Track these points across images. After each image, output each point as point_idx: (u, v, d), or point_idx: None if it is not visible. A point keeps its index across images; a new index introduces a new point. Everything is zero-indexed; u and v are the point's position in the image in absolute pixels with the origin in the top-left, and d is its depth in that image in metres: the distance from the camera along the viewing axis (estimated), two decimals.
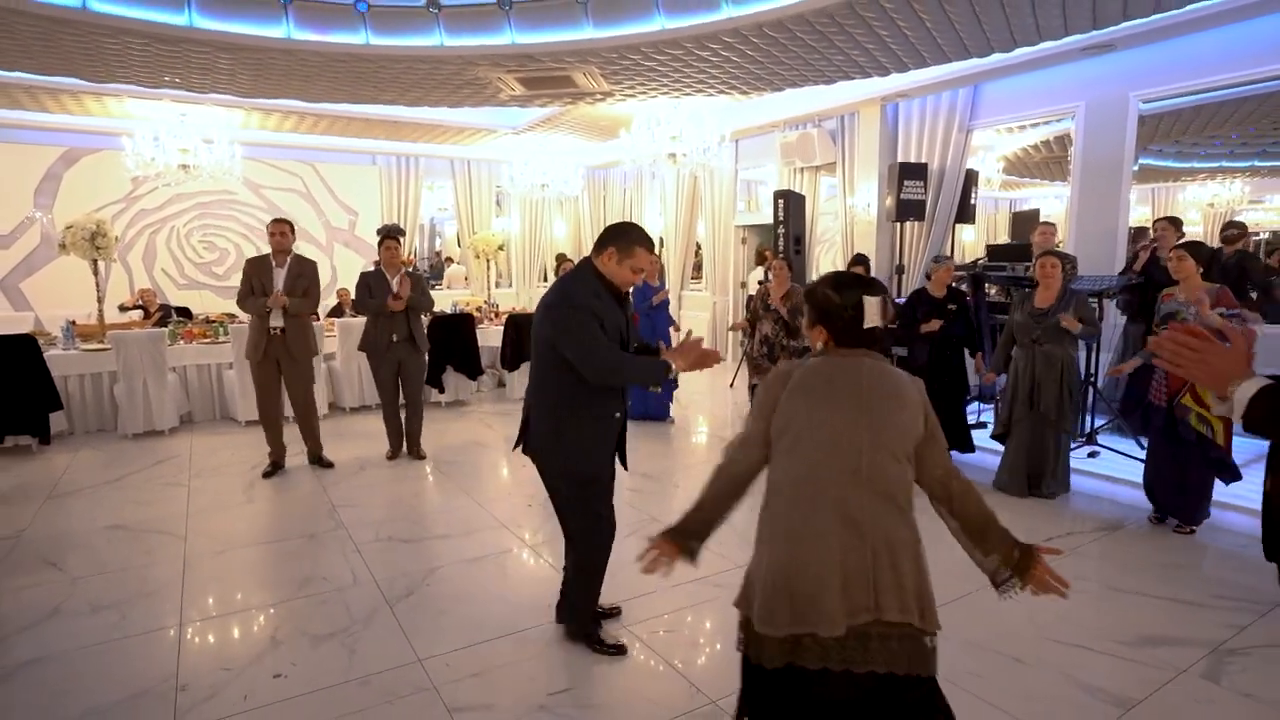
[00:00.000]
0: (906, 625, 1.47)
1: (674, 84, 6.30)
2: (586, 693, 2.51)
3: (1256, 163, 10.28)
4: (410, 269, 5.41)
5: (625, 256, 2.49)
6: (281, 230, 4.88)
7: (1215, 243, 6.13)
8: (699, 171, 8.99)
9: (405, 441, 5.51)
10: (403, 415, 5.51)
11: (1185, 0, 4.36)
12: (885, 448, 1.53)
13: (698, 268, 11.42)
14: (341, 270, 10.68)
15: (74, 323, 6.66)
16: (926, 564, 1.56)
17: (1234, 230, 6.22)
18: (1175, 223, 5.44)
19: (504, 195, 12.28)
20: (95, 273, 7.11)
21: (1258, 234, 11.97)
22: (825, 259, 9.89)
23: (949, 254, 7.66)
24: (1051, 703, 2.43)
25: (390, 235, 5.24)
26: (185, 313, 8.40)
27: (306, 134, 9.78)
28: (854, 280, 1.66)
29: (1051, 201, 11.97)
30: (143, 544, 3.83)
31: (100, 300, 7.37)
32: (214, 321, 7.63)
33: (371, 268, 5.38)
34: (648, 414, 6.48)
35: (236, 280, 10.24)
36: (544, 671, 2.63)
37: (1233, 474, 3.79)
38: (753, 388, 5.82)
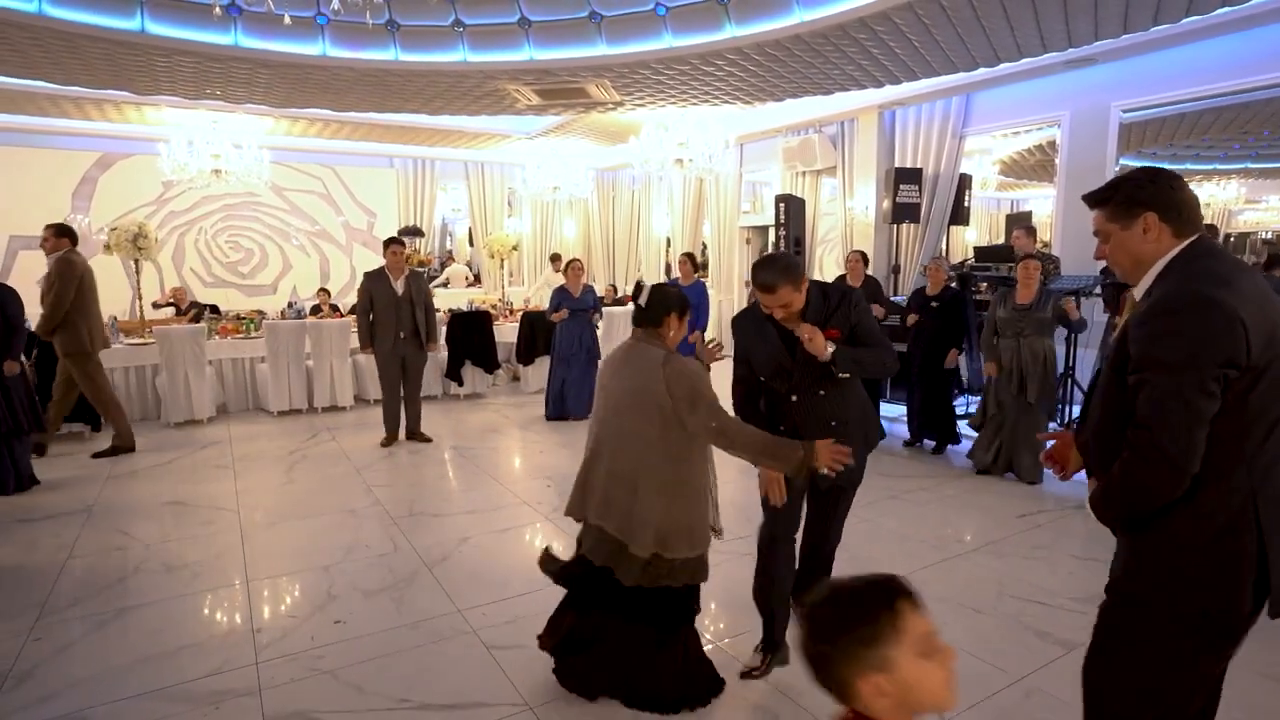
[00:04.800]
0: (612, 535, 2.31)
1: (681, 95, 6.69)
2: None
3: (1249, 164, 10.59)
4: (425, 269, 5.89)
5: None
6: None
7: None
8: (705, 175, 9.38)
9: (406, 428, 5.97)
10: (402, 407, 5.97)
11: (1152, 22, 4.71)
12: (630, 411, 2.28)
13: (704, 267, 11.81)
14: (360, 269, 11.09)
15: (116, 319, 7.10)
16: (681, 501, 2.28)
17: (1210, 233, 6.53)
18: None
19: (515, 197, 12.70)
20: (137, 271, 7.55)
21: (1260, 233, 12.25)
22: (828, 259, 10.27)
23: (943, 254, 8.02)
24: (1004, 643, 2.81)
25: (395, 240, 5.67)
26: (215, 310, 8.85)
27: (329, 139, 10.21)
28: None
29: (1046, 202, 12.29)
30: (201, 517, 4.26)
31: (139, 298, 7.82)
32: (244, 318, 8.07)
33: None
34: None
35: (261, 279, 10.84)
36: None
37: None
38: None
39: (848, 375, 2.38)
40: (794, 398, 2.42)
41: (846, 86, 6.35)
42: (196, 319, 7.86)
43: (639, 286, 2.42)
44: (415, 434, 5.96)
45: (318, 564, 3.59)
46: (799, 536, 2.61)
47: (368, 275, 5.70)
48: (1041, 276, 5.52)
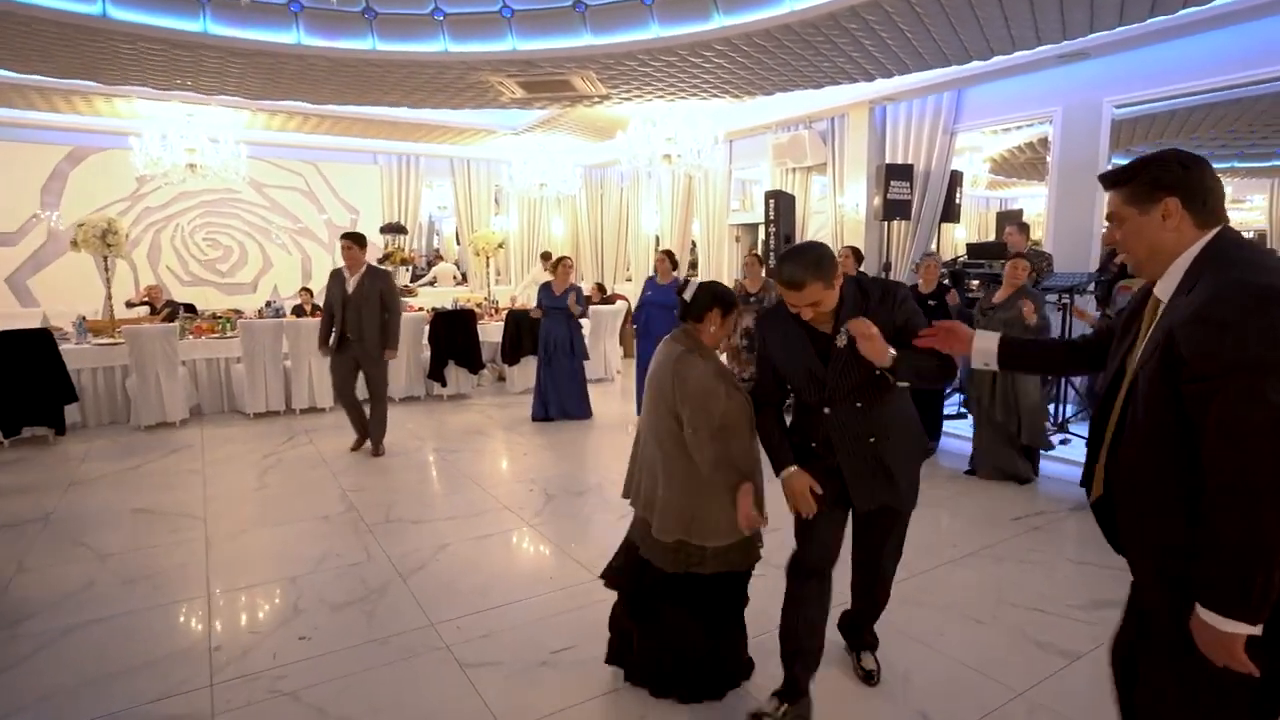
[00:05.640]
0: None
1: (669, 88, 6.54)
2: (585, 651, 2.74)
3: (1235, 164, 10.59)
4: (410, 267, 5.63)
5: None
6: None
7: None
8: (694, 171, 9.23)
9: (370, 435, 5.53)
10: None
11: (1149, 13, 4.61)
12: (651, 402, 2.34)
13: (693, 265, 11.68)
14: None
15: (84, 318, 6.87)
16: (703, 491, 2.23)
17: None
18: None
19: (502, 194, 12.51)
20: (106, 269, 7.32)
21: (1244, 233, 12.31)
22: None
23: (934, 251, 7.92)
24: (1006, 655, 2.69)
25: (346, 235, 5.31)
26: (191, 309, 8.62)
27: (310, 134, 9.99)
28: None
29: (1035, 201, 12.25)
30: (166, 525, 4.06)
31: (109, 296, 7.59)
32: (220, 317, 7.86)
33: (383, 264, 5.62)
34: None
35: (241, 277, 10.60)
36: (546, 633, 2.87)
37: None
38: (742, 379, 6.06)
39: (906, 384, 2.10)
40: (826, 410, 2.14)
41: (837, 80, 6.22)
42: (171, 318, 7.64)
43: (687, 282, 2.41)
44: (375, 449, 5.48)
45: (285, 575, 3.42)
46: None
47: (331, 273, 5.47)
48: (1035, 275, 5.41)
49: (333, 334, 5.39)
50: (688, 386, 2.19)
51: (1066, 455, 5.23)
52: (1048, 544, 3.74)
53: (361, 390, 5.55)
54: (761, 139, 9.39)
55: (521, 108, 7.48)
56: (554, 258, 7.18)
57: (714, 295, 2.30)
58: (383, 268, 5.49)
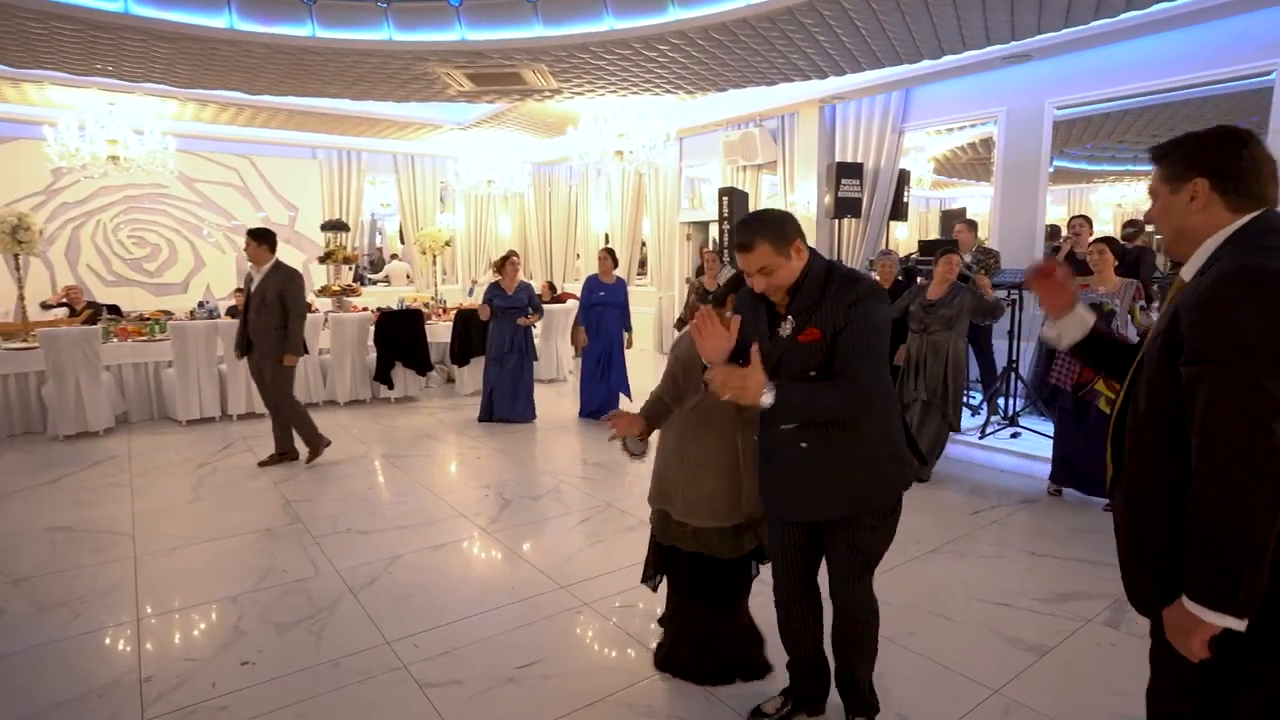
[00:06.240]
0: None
1: (622, 83, 6.43)
2: (552, 665, 2.63)
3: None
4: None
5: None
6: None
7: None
8: (644, 169, 9.15)
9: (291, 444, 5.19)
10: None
11: (1091, 16, 4.74)
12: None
13: (643, 264, 11.60)
14: None
15: None
16: (702, 473, 2.31)
17: (1132, 228, 6.80)
18: (1089, 221, 5.92)
19: (448, 191, 12.19)
20: (17, 268, 6.79)
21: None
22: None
23: (890, 250, 8.04)
24: (978, 653, 2.68)
25: (250, 231, 4.95)
26: (115, 311, 8.09)
27: (245, 126, 9.52)
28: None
29: (976, 200, 12.62)
30: (89, 544, 3.75)
31: (21, 297, 7.04)
32: (149, 319, 7.39)
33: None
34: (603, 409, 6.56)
35: (168, 277, 10.01)
36: (510, 647, 2.74)
37: None
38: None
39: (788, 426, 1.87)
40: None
41: (790, 77, 6.23)
42: (92, 320, 7.14)
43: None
44: (272, 458, 5.11)
45: (224, 594, 3.18)
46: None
47: (247, 273, 5.11)
48: (984, 271, 5.52)
49: (240, 339, 5.01)
50: (677, 352, 2.39)
51: (1015, 448, 5.35)
52: (1005, 538, 3.79)
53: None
54: (711, 137, 9.39)
55: (469, 101, 7.27)
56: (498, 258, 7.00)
57: (734, 283, 2.35)
58: (288, 265, 5.01)
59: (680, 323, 7.16)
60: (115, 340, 6.54)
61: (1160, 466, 1.31)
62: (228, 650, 2.71)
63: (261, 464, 5.12)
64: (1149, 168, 1.47)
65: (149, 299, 9.64)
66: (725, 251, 7.98)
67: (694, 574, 2.41)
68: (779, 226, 1.84)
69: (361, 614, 2.99)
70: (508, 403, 6.48)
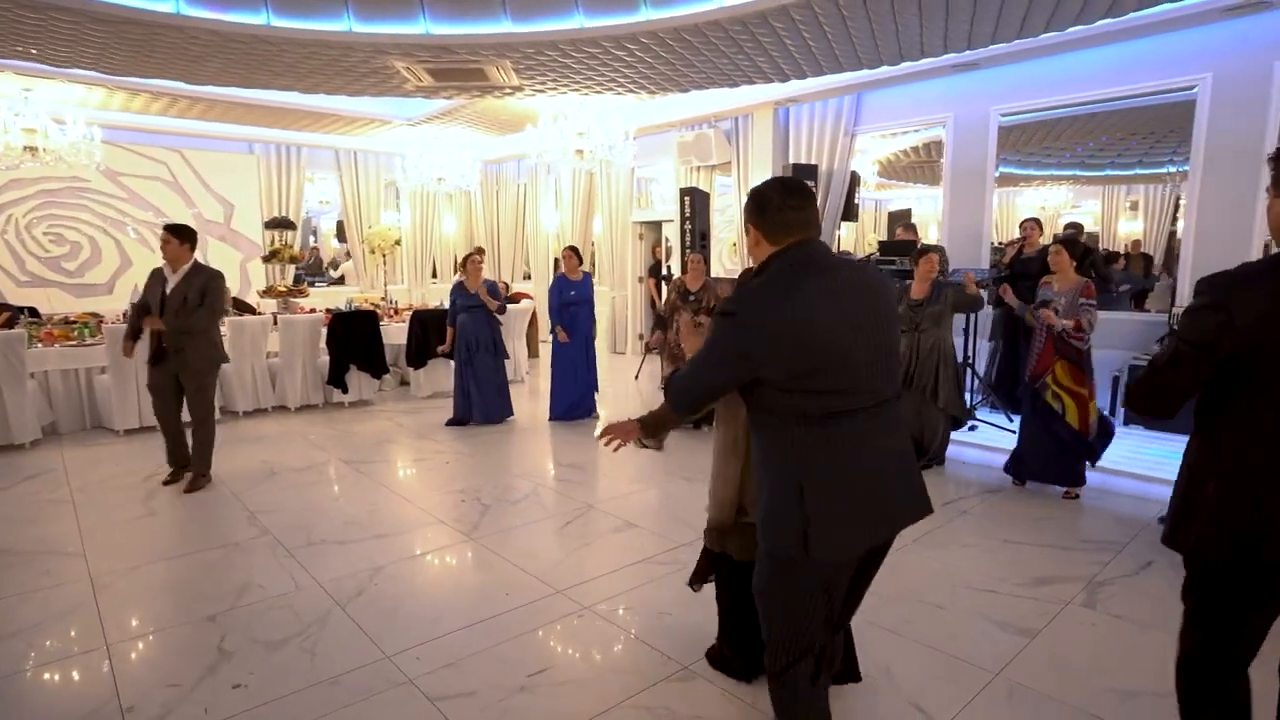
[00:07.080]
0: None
1: (586, 81, 6.38)
2: (563, 671, 2.59)
3: (1078, 172, 11.85)
4: (299, 265, 5.00)
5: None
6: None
7: (1049, 238, 7.05)
8: (596, 168, 9.09)
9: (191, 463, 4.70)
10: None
11: (1042, 29, 4.98)
12: None
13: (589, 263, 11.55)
14: (217, 265, 9.90)
15: None
16: (719, 474, 2.38)
17: (1073, 229, 7.22)
18: (1039, 223, 6.27)
19: (389, 189, 11.83)
20: None
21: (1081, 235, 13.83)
22: (721, 255, 10.31)
23: (849, 252, 8.25)
24: (973, 638, 2.78)
25: (166, 227, 4.59)
26: (34, 313, 7.51)
27: (176, 118, 8.99)
28: None
29: (917, 202, 13.10)
30: (36, 566, 3.47)
31: None
32: (76, 322, 6.90)
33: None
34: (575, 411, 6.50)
35: (91, 277, 9.35)
36: (516, 655, 2.68)
37: (1089, 453, 4.32)
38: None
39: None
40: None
41: (753, 79, 6.31)
42: (10, 324, 6.61)
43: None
44: (193, 482, 4.60)
45: (200, 614, 3.00)
46: None
47: (152, 272, 4.73)
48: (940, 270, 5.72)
49: (141, 342, 4.63)
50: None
51: (972, 440, 5.59)
52: (979, 527, 3.94)
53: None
54: (663, 137, 9.42)
55: (427, 96, 7.07)
56: (462, 256, 6.85)
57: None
58: (209, 266, 4.66)
59: (657, 322, 7.18)
60: (40, 345, 6.08)
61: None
62: (214, 673, 2.56)
63: (168, 481, 4.68)
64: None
65: (69, 300, 9.00)
66: (690, 250, 8.02)
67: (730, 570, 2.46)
68: (755, 208, 1.76)
69: (353, 628, 2.88)
70: (493, 401, 6.34)
